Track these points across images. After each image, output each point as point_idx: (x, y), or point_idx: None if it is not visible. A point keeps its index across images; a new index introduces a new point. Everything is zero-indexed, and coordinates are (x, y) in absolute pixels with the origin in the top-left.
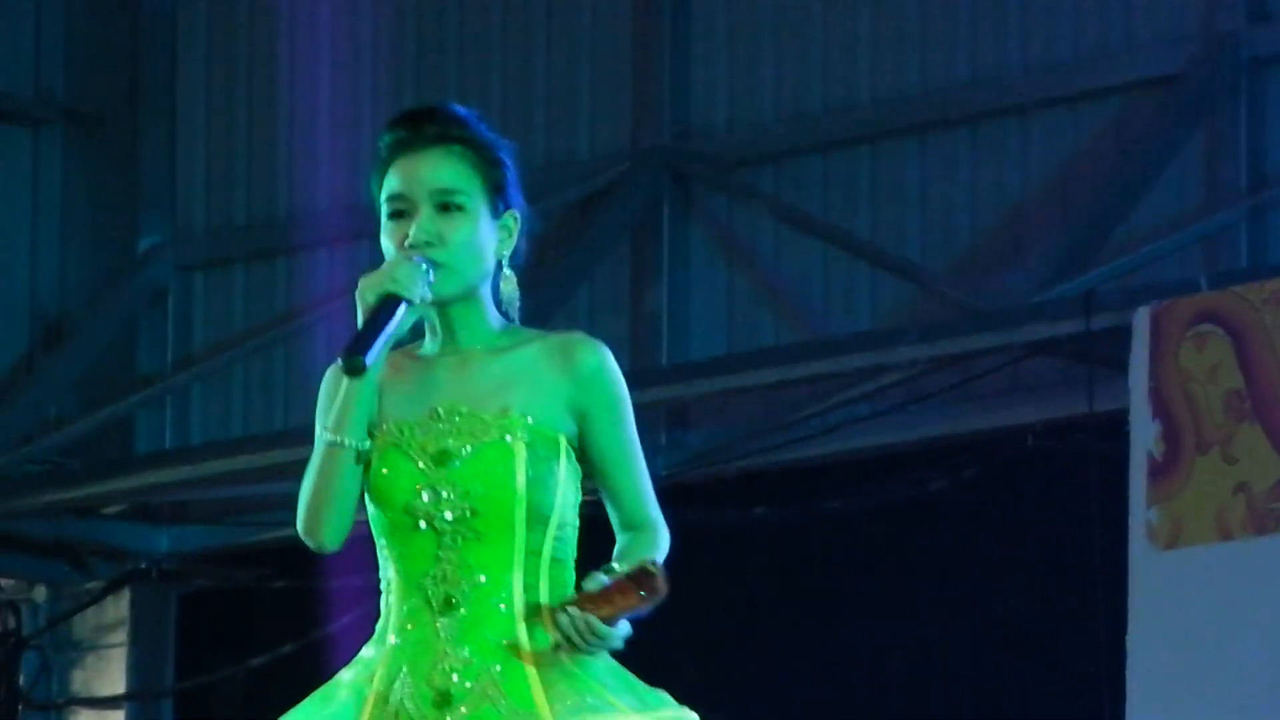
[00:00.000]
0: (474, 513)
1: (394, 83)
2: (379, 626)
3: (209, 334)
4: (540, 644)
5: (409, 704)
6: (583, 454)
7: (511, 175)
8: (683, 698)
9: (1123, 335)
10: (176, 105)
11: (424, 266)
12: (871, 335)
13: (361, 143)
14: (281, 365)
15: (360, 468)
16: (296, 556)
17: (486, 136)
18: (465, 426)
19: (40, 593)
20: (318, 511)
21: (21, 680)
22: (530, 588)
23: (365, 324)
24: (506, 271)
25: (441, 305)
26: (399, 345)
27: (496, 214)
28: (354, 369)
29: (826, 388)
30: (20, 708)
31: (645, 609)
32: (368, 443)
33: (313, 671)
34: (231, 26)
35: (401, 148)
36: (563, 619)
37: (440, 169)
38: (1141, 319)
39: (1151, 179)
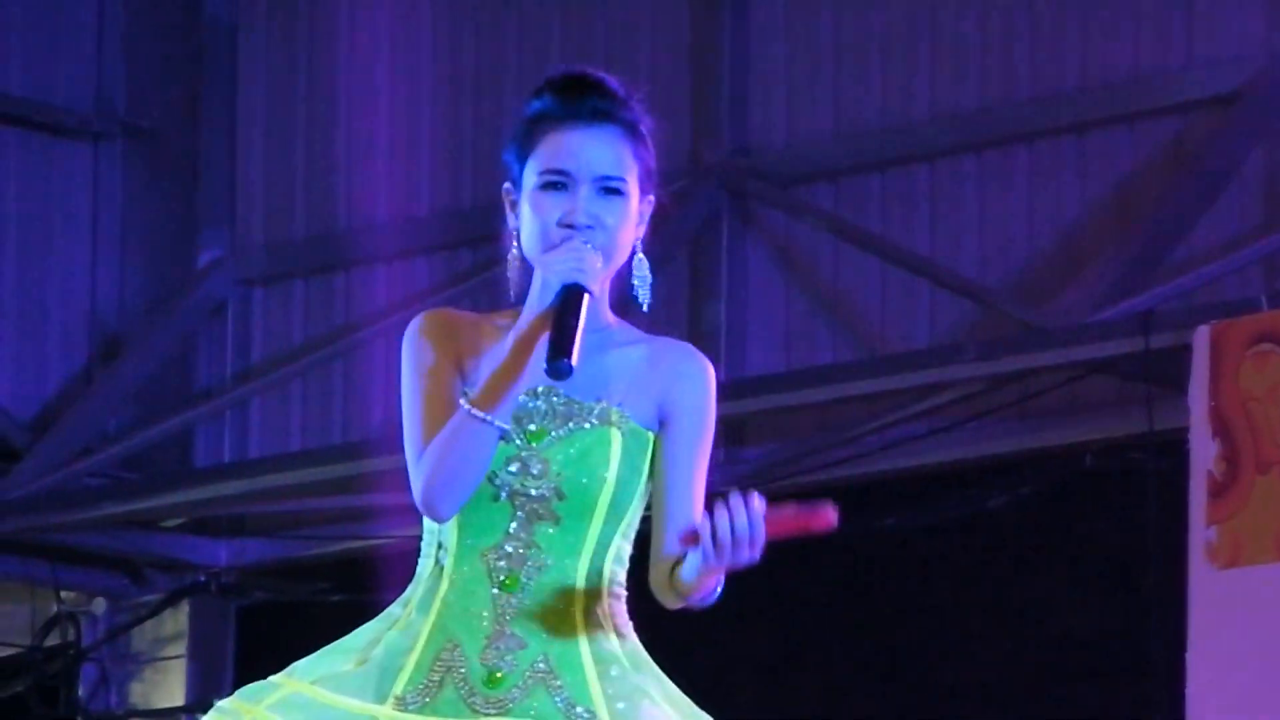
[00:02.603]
0: (560, 495)
1: (452, 100)
2: (417, 589)
3: (267, 348)
4: (597, 638)
5: (456, 674)
6: (653, 466)
7: (654, 162)
8: (740, 714)
9: (1182, 354)
10: (236, 120)
11: (598, 253)
12: (929, 353)
13: (419, 159)
14: (339, 380)
15: (495, 448)
16: (354, 570)
17: (642, 120)
18: (563, 410)
19: (99, 605)
20: (448, 484)
21: (81, 692)
22: (593, 580)
23: (559, 325)
24: (640, 255)
25: None
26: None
27: (643, 199)
28: (561, 373)
29: (884, 405)
30: (79, 719)
31: (800, 534)
32: (510, 425)
33: None
34: (292, 43)
35: (560, 119)
36: (730, 500)
37: (606, 150)
38: (1201, 338)
39: (1211, 197)
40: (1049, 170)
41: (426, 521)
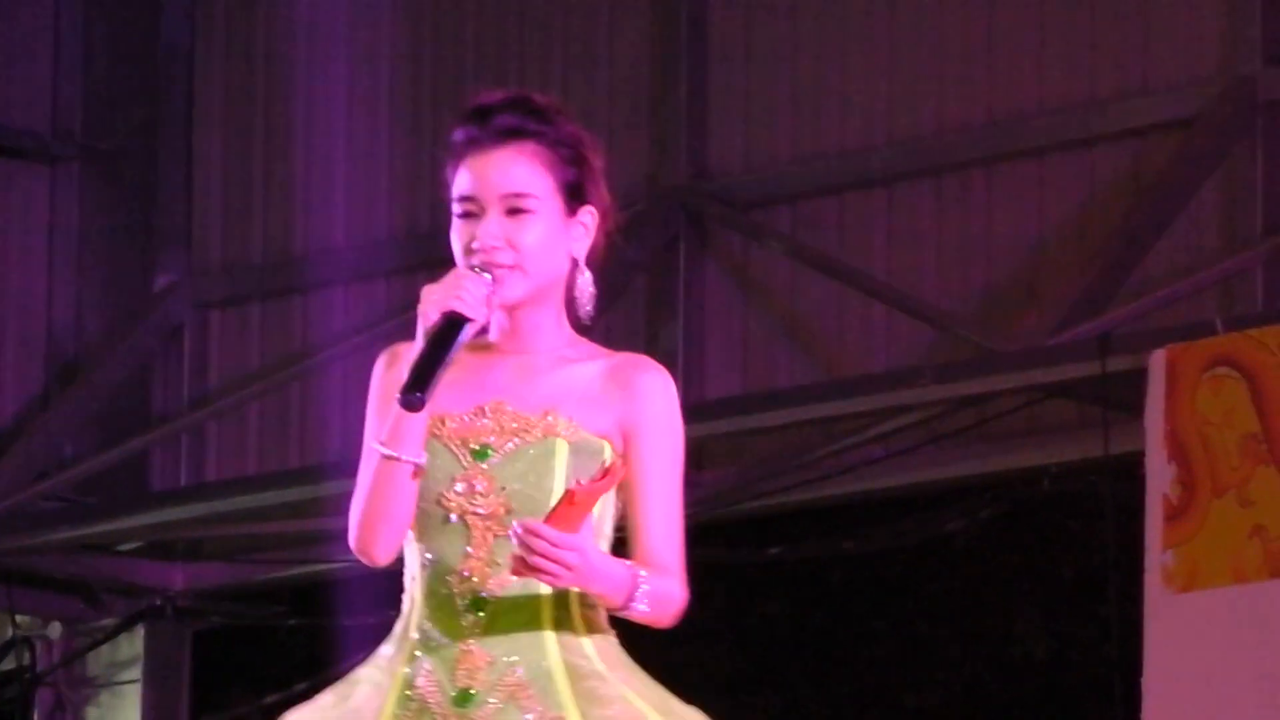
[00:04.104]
0: (508, 510)
1: (410, 122)
2: (400, 622)
3: (224, 371)
4: (569, 648)
5: (432, 699)
6: (622, 485)
7: (590, 170)
8: None
9: (1138, 378)
10: (193, 143)
11: (488, 278)
12: (887, 376)
13: (377, 182)
14: (297, 403)
15: (415, 483)
16: (311, 594)
17: (562, 131)
18: (509, 425)
19: (55, 629)
20: (372, 526)
21: (36, 717)
22: (559, 591)
23: (425, 355)
24: (584, 269)
25: (509, 308)
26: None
27: (571, 212)
28: (412, 405)
29: (842, 428)
30: None
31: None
32: (424, 458)
33: None
34: (249, 66)
35: (473, 143)
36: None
37: (510, 170)
38: (1157, 362)
39: (1167, 222)
40: (1007, 195)
41: (406, 553)
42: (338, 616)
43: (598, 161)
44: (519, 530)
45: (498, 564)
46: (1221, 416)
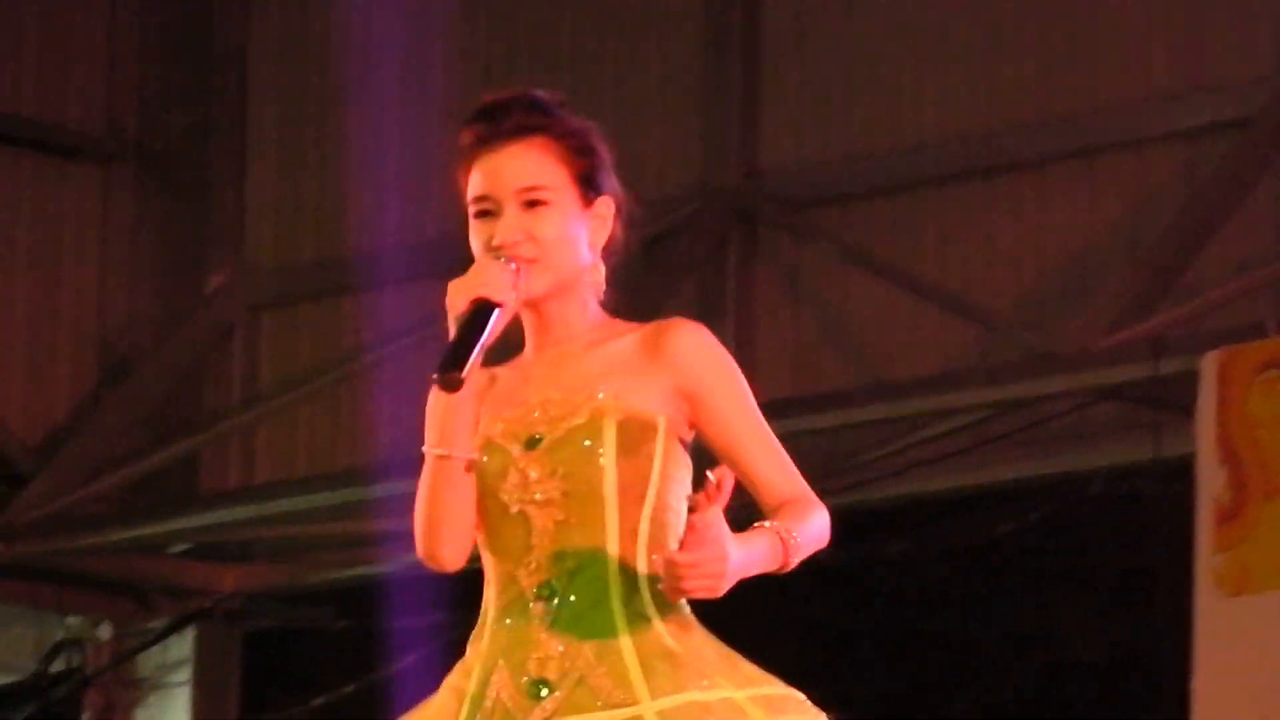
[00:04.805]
0: (564, 493)
1: (460, 122)
2: (478, 624)
3: (275, 372)
4: (638, 626)
5: (505, 694)
6: (709, 443)
7: (600, 160)
8: None
9: (1190, 380)
10: (246, 144)
11: (513, 267)
12: (938, 378)
13: (428, 184)
14: (347, 404)
15: (471, 479)
16: (359, 597)
17: (569, 123)
18: (556, 413)
19: (105, 630)
20: (434, 530)
21: (86, 718)
22: (626, 570)
23: (457, 337)
24: (599, 262)
25: (535, 303)
26: (494, 360)
27: (587, 203)
28: (450, 385)
29: (892, 431)
30: None
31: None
32: (475, 453)
33: (374, 711)
34: (302, 67)
35: (483, 143)
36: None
37: (522, 164)
38: (1210, 364)
39: (1220, 223)
40: (1058, 195)
41: (481, 555)
42: (386, 618)
43: (606, 152)
44: (660, 566)
45: (562, 552)
46: (1274, 419)
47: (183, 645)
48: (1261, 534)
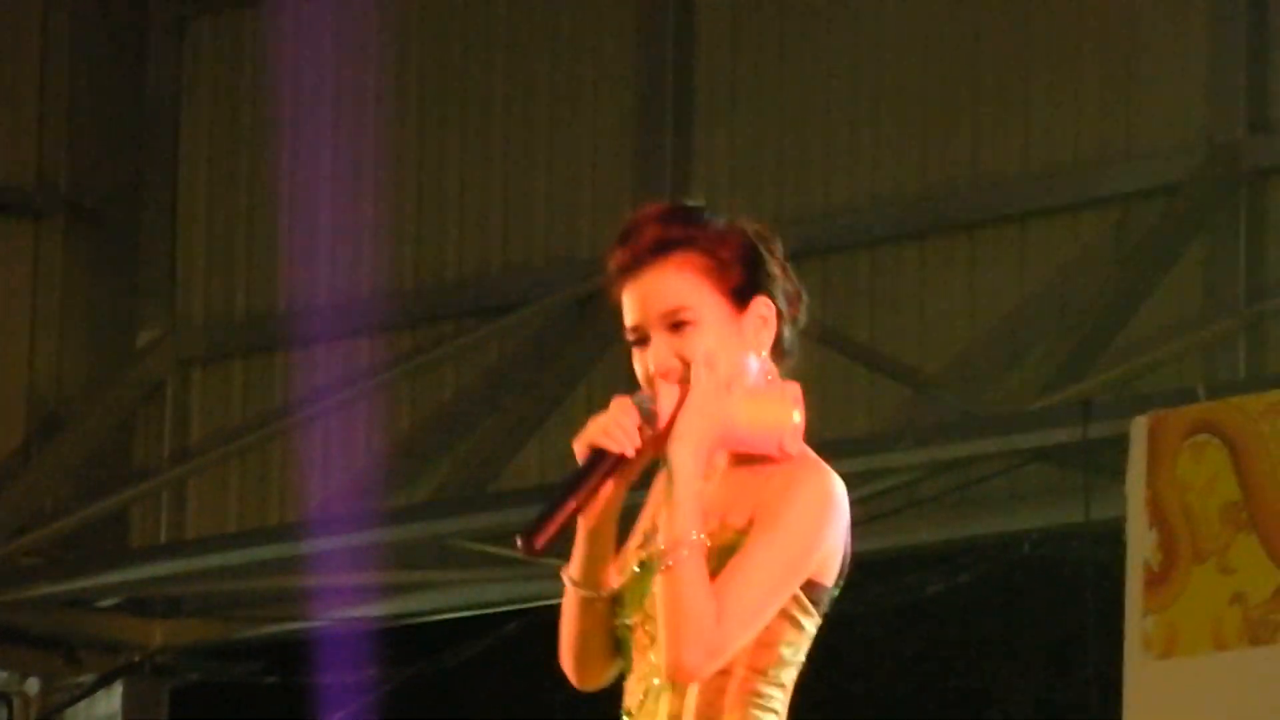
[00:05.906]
0: (647, 617)
1: (394, 180)
2: None
3: (206, 428)
4: None
5: None
6: None
7: (749, 262)
8: None
9: (1120, 444)
10: (177, 199)
11: (647, 405)
12: (868, 439)
13: (360, 240)
14: (278, 460)
15: (600, 611)
16: (288, 652)
17: (709, 232)
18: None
19: (32, 685)
20: (566, 649)
21: None
22: (711, 705)
23: (556, 495)
24: (762, 359)
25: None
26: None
27: (740, 308)
28: (526, 548)
29: None
30: None
31: None
32: (601, 589)
33: None
34: (234, 122)
35: (625, 270)
36: None
37: (660, 289)
38: (1139, 428)
39: (1150, 288)
40: (989, 259)
41: None
42: (316, 674)
43: (759, 250)
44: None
45: (654, 670)
46: (1203, 483)
47: (111, 700)
48: (1190, 597)
